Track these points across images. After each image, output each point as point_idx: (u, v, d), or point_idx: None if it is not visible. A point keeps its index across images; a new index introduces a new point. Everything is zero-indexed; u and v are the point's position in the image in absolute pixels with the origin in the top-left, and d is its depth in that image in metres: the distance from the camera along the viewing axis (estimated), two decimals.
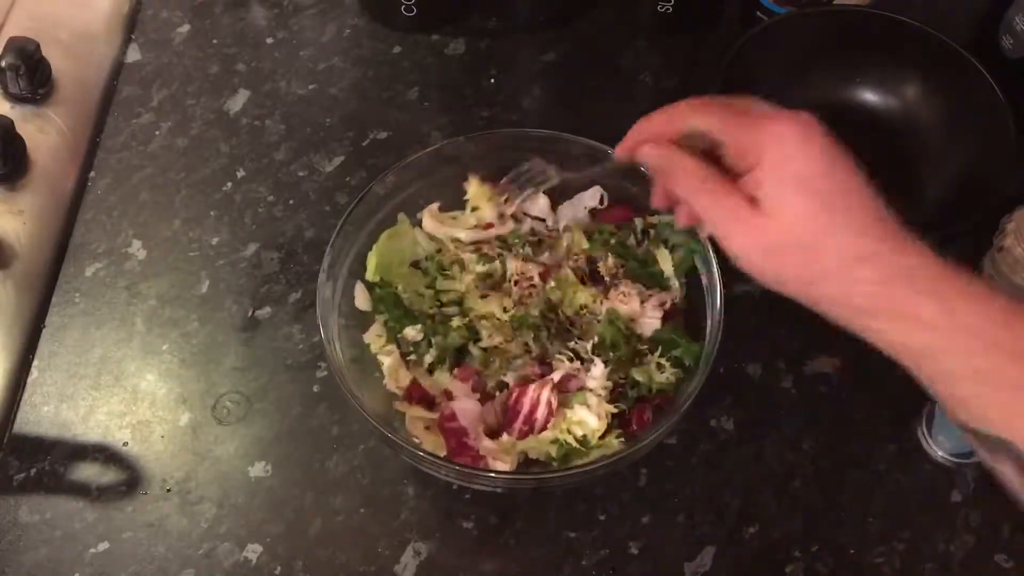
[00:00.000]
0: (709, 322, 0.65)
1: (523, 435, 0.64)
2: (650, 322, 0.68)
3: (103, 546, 0.65)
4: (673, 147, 0.49)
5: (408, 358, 0.68)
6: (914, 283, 0.43)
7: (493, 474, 0.62)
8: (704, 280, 0.67)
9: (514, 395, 0.64)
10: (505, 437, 0.64)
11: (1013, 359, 0.41)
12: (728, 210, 0.47)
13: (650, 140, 0.50)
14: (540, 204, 0.73)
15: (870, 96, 0.83)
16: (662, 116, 0.50)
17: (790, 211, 0.45)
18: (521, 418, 0.64)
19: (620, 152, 0.53)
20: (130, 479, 0.68)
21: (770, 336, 0.74)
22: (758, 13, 0.87)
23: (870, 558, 0.65)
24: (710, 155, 0.49)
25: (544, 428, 0.63)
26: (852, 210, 0.45)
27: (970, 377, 0.42)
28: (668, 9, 0.88)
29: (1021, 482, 0.43)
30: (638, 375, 0.65)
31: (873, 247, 0.44)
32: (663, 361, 0.66)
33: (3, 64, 0.78)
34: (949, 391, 0.44)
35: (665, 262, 0.70)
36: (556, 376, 0.64)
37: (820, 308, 0.47)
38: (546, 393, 0.64)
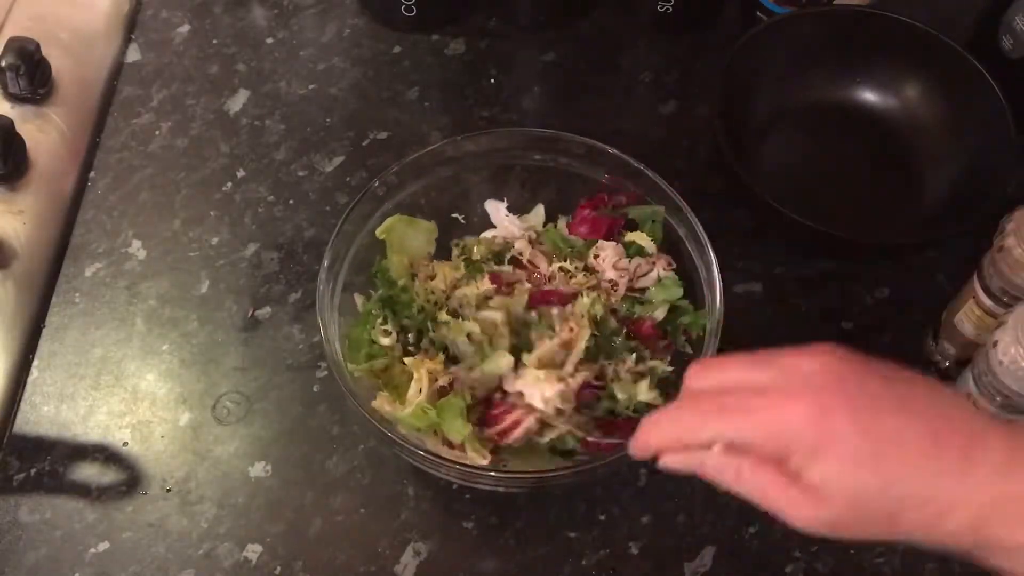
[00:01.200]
0: (708, 322, 0.65)
1: (493, 442, 0.63)
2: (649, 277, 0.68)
3: (103, 546, 0.65)
4: (694, 453, 0.45)
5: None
6: (1010, 512, 0.39)
7: (493, 473, 0.62)
8: (704, 279, 0.67)
9: (498, 409, 0.63)
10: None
11: None
12: (772, 495, 0.43)
13: (668, 448, 0.46)
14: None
15: (870, 96, 0.83)
16: (674, 423, 0.46)
17: (839, 490, 0.40)
18: (498, 429, 0.63)
19: (635, 449, 0.48)
20: (130, 479, 0.68)
21: (770, 336, 0.73)
22: (758, 13, 0.87)
23: (870, 558, 0.65)
24: None
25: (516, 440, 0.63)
26: (910, 448, 0.40)
27: None
28: (668, 9, 0.88)
29: None
30: (618, 390, 0.63)
31: (951, 491, 0.39)
32: (650, 365, 0.65)
33: (3, 64, 0.78)
34: None
35: (643, 240, 0.70)
36: (537, 404, 0.61)
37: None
38: (529, 421, 0.62)
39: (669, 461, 0.46)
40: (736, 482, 0.44)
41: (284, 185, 0.82)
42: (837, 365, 0.43)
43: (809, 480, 0.41)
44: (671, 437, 0.46)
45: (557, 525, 0.66)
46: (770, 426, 0.42)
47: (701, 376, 0.47)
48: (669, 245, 0.70)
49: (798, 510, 0.42)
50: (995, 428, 0.41)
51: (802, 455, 0.41)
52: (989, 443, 0.40)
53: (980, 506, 0.39)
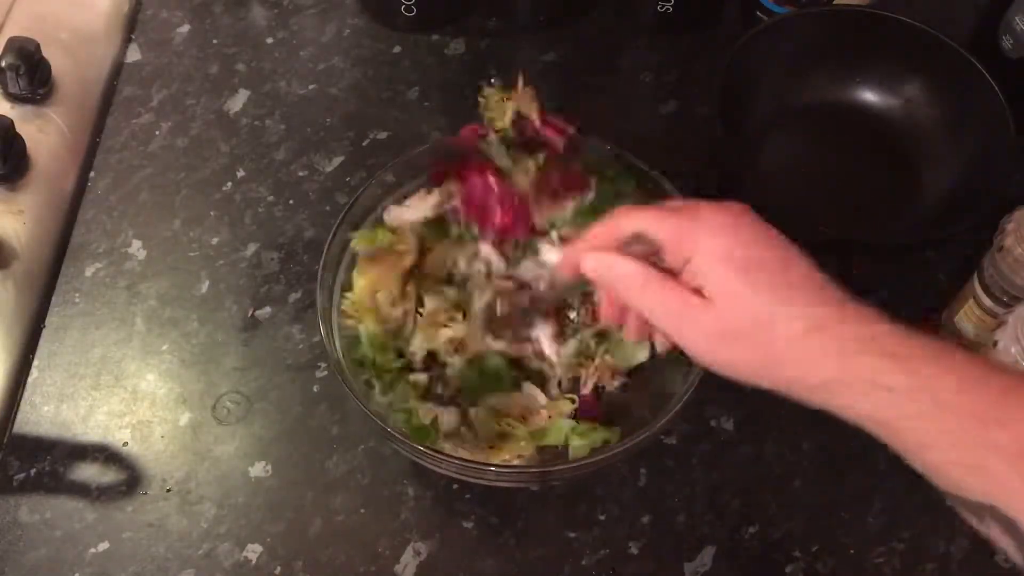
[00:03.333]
0: None
1: (506, 228, 0.63)
2: None
3: (103, 546, 0.65)
4: (612, 253, 0.49)
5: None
6: (871, 350, 0.42)
7: (493, 468, 0.62)
8: None
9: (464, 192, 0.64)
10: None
11: (982, 422, 0.40)
12: (672, 304, 0.46)
13: (590, 251, 0.50)
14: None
15: (870, 96, 0.83)
16: (599, 227, 0.50)
17: (731, 292, 0.45)
18: (489, 214, 0.63)
19: (563, 268, 0.53)
20: (130, 479, 0.68)
21: None
22: (758, 13, 0.87)
23: (870, 558, 0.65)
24: (650, 263, 0.48)
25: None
26: (794, 284, 0.44)
27: (941, 443, 0.41)
28: (668, 9, 0.88)
29: (1011, 544, 0.41)
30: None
31: (822, 317, 0.43)
32: None
33: (3, 64, 0.78)
34: (923, 458, 0.43)
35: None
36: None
37: (782, 391, 0.46)
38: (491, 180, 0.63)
39: (588, 262, 0.50)
40: (641, 291, 0.47)
41: (284, 185, 0.82)
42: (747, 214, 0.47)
43: (698, 282, 0.46)
44: (594, 240, 0.50)
45: (557, 525, 0.66)
46: (679, 228, 0.47)
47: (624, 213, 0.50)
48: None
49: (693, 317, 0.46)
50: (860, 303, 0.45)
51: (703, 255, 0.45)
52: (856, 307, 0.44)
53: (844, 337, 0.43)
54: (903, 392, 0.41)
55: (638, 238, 0.48)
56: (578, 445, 0.64)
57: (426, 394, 0.65)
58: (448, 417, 0.64)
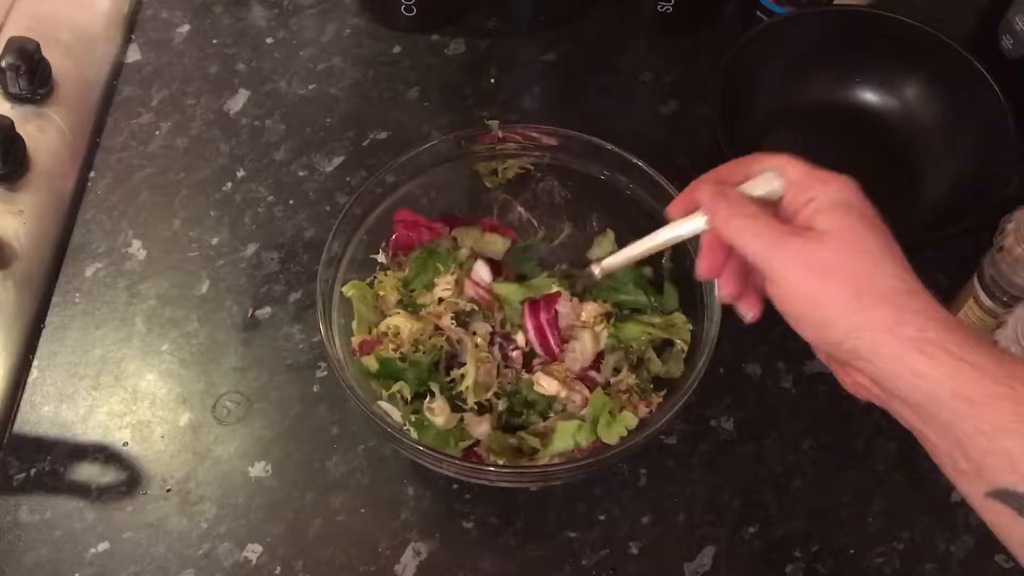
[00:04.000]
0: (708, 322, 0.65)
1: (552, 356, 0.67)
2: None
3: (103, 546, 0.65)
4: (729, 187, 0.50)
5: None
6: (923, 328, 0.43)
7: (493, 468, 0.62)
8: (704, 279, 0.67)
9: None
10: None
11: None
12: (778, 233, 0.46)
13: (710, 183, 0.51)
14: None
15: (870, 96, 0.83)
16: (730, 164, 0.52)
17: (847, 227, 0.45)
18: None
19: (677, 204, 0.54)
20: (130, 479, 0.68)
21: (770, 336, 0.74)
22: (758, 13, 0.87)
23: (870, 558, 0.65)
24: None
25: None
26: (895, 252, 0.45)
27: (983, 429, 0.40)
28: (668, 9, 0.88)
29: None
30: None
31: (913, 285, 0.44)
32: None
33: (3, 64, 0.78)
34: (963, 451, 0.42)
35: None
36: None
37: (840, 349, 0.45)
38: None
39: (703, 189, 0.51)
40: (752, 219, 0.47)
41: (284, 185, 0.82)
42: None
43: (820, 222, 0.45)
44: (719, 174, 0.52)
45: (557, 525, 0.66)
46: (810, 174, 0.48)
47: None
48: (670, 256, 0.70)
49: (798, 246, 0.45)
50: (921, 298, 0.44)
51: (829, 194, 0.46)
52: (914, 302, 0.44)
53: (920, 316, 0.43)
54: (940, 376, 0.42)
55: (768, 180, 0.49)
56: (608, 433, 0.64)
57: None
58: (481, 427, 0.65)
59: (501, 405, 0.66)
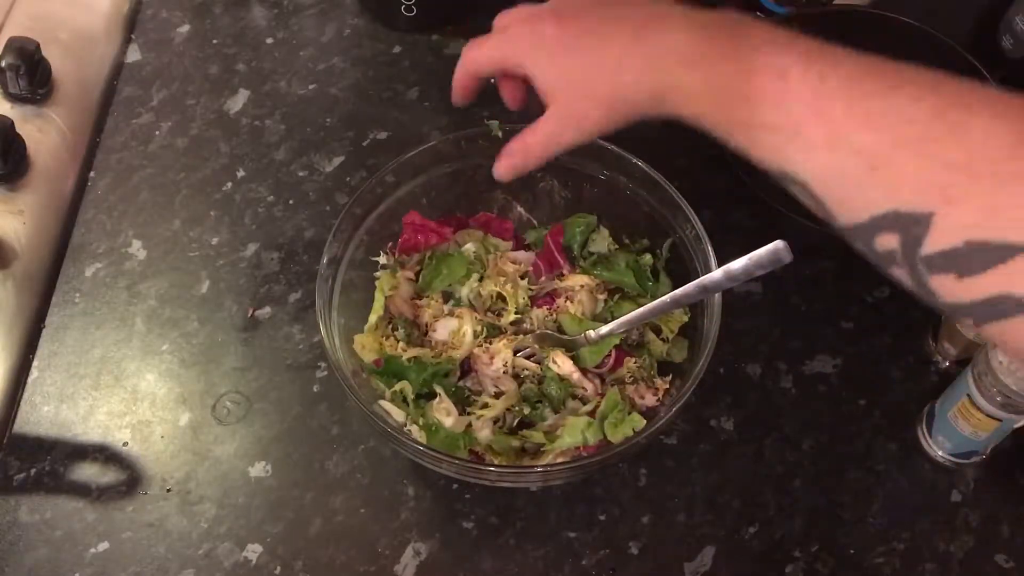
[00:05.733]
0: (707, 311, 0.65)
1: None
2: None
3: (103, 546, 0.65)
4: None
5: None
6: (668, 62, 0.47)
7: (493, 468, 0.62)
8: (702, 275, 0.67)
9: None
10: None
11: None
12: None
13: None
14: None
15: None
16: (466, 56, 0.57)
17: (553, 81, 0.50)
18: None
19: (460, 81, 0.58)
20: (130, 479, 0.68)
21: (770, 336, 0.74)
22: (758, 13, 0.87)
23: (870, 558, 0.65)
24: None
25: None
26: (597, 33, 0.49)
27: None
28: None
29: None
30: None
31: (622, 55, 0.48)
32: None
33: (3, 64, 0.78)
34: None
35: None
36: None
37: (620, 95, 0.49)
38: None
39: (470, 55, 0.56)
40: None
41: (284, 185, 0.82)
42: None
43: (536, 84, 0.51)
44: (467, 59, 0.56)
45: (557, 525, 0.66)
46: (503, 47, 0.53)
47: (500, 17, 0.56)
48: (670, 245, 0.71)
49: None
50: (677, 11, 0.48)
51: (530, 64, 0.51)
52: (669, 18, 0.47)
53: (647, 55, 0.47)
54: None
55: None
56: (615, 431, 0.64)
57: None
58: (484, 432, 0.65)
59: (509, 418, 0.66)
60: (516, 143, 0.54)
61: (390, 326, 0.69)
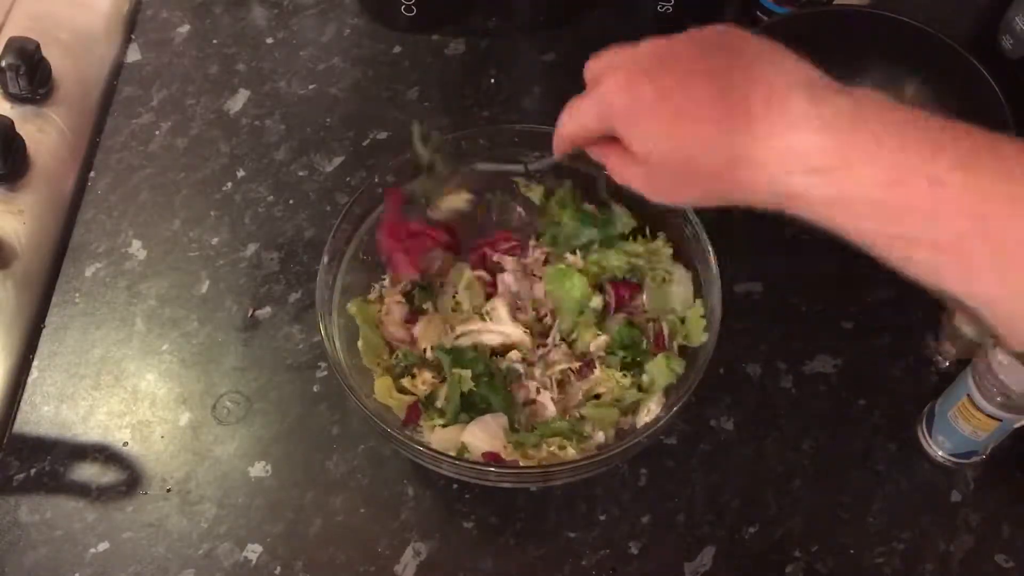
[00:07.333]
0: (708, 311, 0.65)
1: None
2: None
3: (103, 546, 0.65)
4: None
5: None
6: (795, 164, 0.41)
7: (493, 468, 0.62)
8: (704, 279, 0.67)
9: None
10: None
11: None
12: (615, 163, 0.48)
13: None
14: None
15: None
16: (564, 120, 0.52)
17: (647, 150, 0.45)
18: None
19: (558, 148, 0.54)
20: (130, 479, 0.68)
21: (770, 336, 0.74)
22: (758, 13, 0.87)
23: (870, 558, 0.65)
24: None
25: None
26: (703, 108, 0.43)
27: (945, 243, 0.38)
28: (668, 9, 0.88)
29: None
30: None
31: (738, 146, 0.42)
32: None
33: (3, 64, 0.78)
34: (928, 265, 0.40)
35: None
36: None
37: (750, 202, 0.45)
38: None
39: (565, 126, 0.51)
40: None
41: (284, 185, 0.82)
42: (677, 40, 0.48)
43: (629, 146, 0.46)
44: (564, 127, 0.51)
45: (557, 525, 0.66)
46: (593, 107, 0.48)
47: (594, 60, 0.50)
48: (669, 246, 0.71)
49: (626, 170, 0.48)
50: (800, 88, 0.43)
51: (622, 126, 0.46)
52: (788, 102, 0.42)
53: (767, 159, 0.42)
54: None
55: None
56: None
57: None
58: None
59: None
60: (600, 150, 0.50)
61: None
